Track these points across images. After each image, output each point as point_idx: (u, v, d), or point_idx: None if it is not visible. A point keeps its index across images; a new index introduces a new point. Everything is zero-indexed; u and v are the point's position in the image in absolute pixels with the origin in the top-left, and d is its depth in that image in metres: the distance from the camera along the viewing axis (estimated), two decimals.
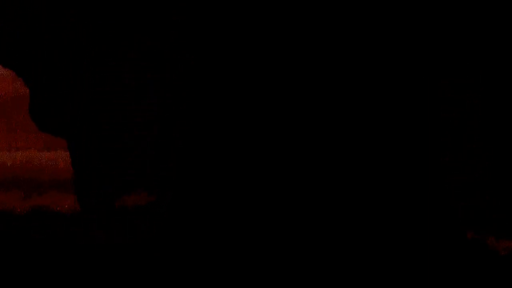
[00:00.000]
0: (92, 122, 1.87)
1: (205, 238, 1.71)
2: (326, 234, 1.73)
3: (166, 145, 1.84)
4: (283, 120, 1.84)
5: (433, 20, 1.97)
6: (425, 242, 1.73)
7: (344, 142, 1.81)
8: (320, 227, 1.73)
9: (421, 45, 1.94)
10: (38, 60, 1.98)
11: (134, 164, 1.81)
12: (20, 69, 1.96)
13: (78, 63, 1.98)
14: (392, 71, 1.91)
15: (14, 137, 2.51)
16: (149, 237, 1.71)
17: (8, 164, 2.43)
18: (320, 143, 1.81)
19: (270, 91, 1.88)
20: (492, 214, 1.77)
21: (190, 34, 1.97)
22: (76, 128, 1.87)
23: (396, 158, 1.80)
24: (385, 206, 1.74)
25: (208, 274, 1.68)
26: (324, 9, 1.92)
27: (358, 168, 1.78)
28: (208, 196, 1.75)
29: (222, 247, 1.69)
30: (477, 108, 1.90)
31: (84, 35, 2.03)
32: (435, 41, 1.95)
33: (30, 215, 2.07)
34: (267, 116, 1.84)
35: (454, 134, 1.87)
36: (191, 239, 1.71)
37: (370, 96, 1.88)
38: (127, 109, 1.91)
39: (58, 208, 2.14)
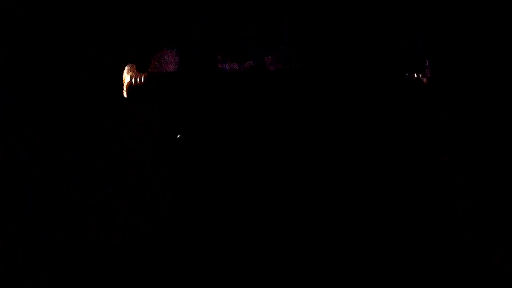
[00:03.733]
0: (92, 122, 1.87)
1: (204, 238, 1.71)
2: (325, 234, 1.72)
3: (166, 145, 1.84)
4: (283, 119, 1.84)
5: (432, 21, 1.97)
6: (425, 242, 1.73)
7: (343, 142, 1.81)
8: (319, 227, 1.73)
9: (421, 45, 1.94)
10: (38, 60, 1.98)
11: (134, 164, 1.81)
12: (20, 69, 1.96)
13: (78, 63, 1.98)
14: (391, 70, 1.91)
15: None
16: (149, 237, 1.71)
17: None
18: (318, 142, 1.81)
19: (270, 90, 1.88)
20: (492, 214, 1.78)
21: (190, 34, 1.97)
22: (76, 128, 1.87)
23: (396, 158, 1.80)
24: (384, 206, 1.74)
25: (207, 274, 1.68)
26: (322, 8, 1.92)
27: (356, 168, 1.77)
28: (207, 195, 1.75)
29: (222, 247, 1.69)
30: (477, 108, 1.90)
31: (84, 35, 2.03)
32: (435, 41, 1.95)
33: None
34: (268, 115, 1.84)
35: (454, 134, 1.87)
36: (191, 239, 1.71)
37: (369, 95, 1.88)
38: (127, 109, 1.91)
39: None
